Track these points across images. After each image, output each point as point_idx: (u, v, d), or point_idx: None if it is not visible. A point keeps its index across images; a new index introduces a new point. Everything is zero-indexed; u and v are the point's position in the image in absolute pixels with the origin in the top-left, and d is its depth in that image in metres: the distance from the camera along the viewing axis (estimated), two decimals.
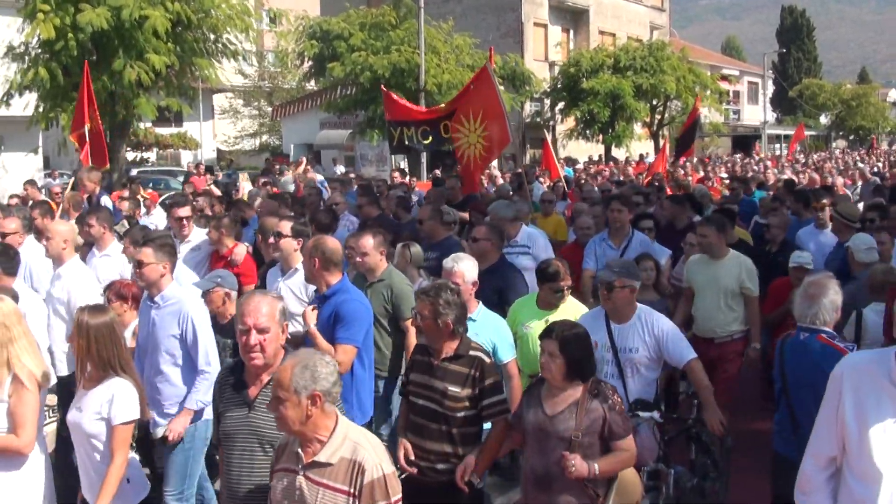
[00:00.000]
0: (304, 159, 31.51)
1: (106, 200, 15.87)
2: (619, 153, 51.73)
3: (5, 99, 25.96)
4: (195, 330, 7.56)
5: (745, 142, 67.38)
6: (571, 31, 62.01)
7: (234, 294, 8.95)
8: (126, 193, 17.68)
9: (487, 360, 6.56)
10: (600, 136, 50.59)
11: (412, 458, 6.60)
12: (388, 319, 8.91)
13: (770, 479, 7.54)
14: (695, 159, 38.78)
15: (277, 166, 31.27)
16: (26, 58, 25.69)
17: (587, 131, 50.38)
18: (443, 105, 19.99)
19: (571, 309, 8.58)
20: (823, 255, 11.86)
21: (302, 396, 4.71)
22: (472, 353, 6.54)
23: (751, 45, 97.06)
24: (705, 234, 10.24)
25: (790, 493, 6.67)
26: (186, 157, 48.28)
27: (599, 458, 6.02)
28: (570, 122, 51.88)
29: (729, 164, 39.89)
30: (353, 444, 4.84)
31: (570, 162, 41.04)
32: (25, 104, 26.23)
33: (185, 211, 12.19)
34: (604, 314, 7.72)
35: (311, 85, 46.93)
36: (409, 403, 6.79)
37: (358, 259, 9.10)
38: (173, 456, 7.62)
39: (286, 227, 9.77)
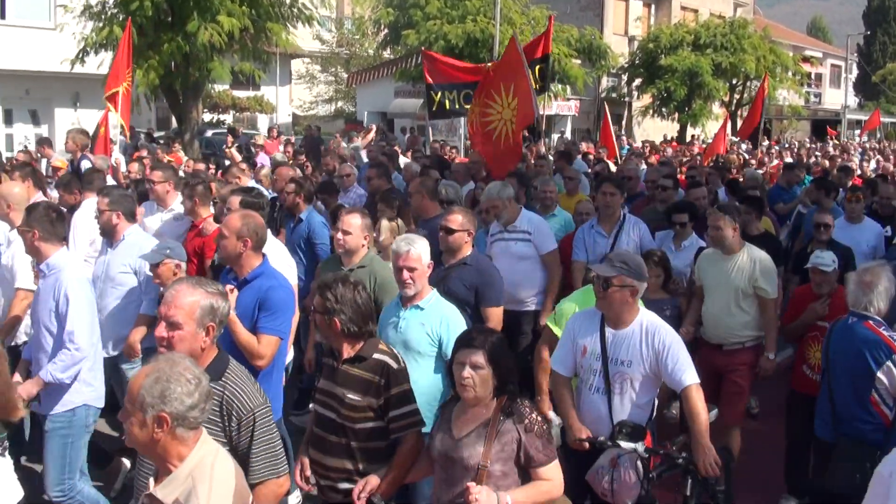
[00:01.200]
0: (374, 127, 31.50)
1: (87, 164, 15.49)
2: (694, 133, 51.17)
3: (81, 56, 26.24)
4: (67, 303, 6.98)
5: (825, 126, 66.23)
6: (653, 6, 61.38)
7: (184, 266, 8.32)
8: (144, 153, 17.54)
9: (395, 365, 5.75)
10: (676, 115, 50.05)
11: (308, 474, 5.92)
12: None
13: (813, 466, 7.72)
14: (766, 143, 37.98)
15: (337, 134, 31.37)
16: (102, 17, 25.93)
17: (663, 109, 49.89)
18: (489, 65, 19.62)
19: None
20: (860, 253, 10.90)
21: (147, 415, 3.92)
22: (377, 356, 5.76)
23: (837, 27, 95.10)
24: (719, 227, 8.90)
25: (827, 478, 7.07)
26: (263, 121, 48.63)
27: (514, 490, 5.20)
28: (647, 98, 51.36)
29: (790, 149, 38.64)
30: (192, 484, 3.97)
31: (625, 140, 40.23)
32: (100, 62, 26.48)
33: (157, 176, 11.21)
34: (600, 316, 6.59)
35: (388, 53, 46.91)
36: (314, 414, 6.03)
37: (339, 236, 8.37)
38: (50, 444, 7.17)
39: (236, 201, 9.03)
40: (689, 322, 9.23)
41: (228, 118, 47.13)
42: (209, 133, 36.46)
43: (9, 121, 33.86)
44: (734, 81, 52.14)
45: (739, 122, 50.10)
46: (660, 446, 6.69)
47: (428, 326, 6.81)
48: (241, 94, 47.55)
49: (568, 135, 45.86)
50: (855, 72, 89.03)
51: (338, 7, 54.32)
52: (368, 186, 13.39)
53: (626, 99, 55.68)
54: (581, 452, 6.38)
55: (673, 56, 47.79)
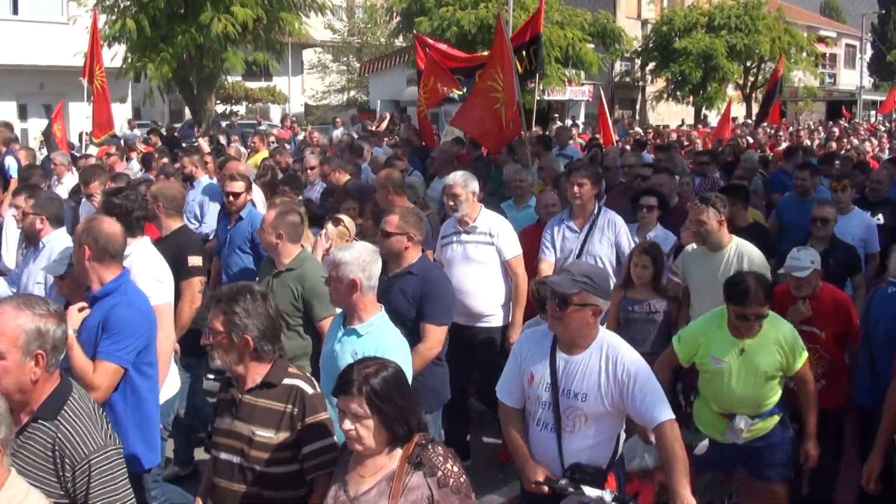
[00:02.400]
0: (388, 115, 31.40)
1: (10, 161, 14.84)
2: (710, 117, 50.95)
3: None
4: None
5: (840, 107, 65.82)
6: None
7: None
8: (112, 150, 16.83)
9: (310, 390, 4.78)
10: (691, 98, 49.82)
11: None
12: (300, 319, 7.31)
13: (857, 439, 7.58)
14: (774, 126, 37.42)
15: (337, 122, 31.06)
16: (115, 10, 25.89)
17: (678, 93, 49.68)
18: (486, 53, 19.30)
19: (774, 328, 6.57)
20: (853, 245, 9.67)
21: None
22: (287, 380, 4.79)
23: (851, 6, 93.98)
24: (702, 220, 7.90)
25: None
26: (275, 112, 48.60)
27: None
28: (661, 82, 51.15)
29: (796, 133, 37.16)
30: None
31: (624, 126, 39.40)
32: (114, 55, 26.45)
33: (94, 187, 10.22)
34: (552, 336, 5.43)
35: (400, 41, 46.78)
36: (212, 460, 4.98)
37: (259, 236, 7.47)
38: None
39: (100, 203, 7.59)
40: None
41: (241, 109, 47.15)
42: (223, 124, 36.47)
43: (24, 116, 33.81)
44: (748, 63, 51.89)
45: (754, 105, 50.01)
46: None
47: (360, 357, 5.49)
48: (253, 84, 47.64)
49: (581, 119, 45.60)
50: (869, 52, 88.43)
51: None
52: (326, 180, 12.58)
53: (640, 83, 55.44)
54: (539, 497, 5.40)
55: (687, 38, 47.63)
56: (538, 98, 38.17)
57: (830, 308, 7.30)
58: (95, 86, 17.70)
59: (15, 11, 31.96)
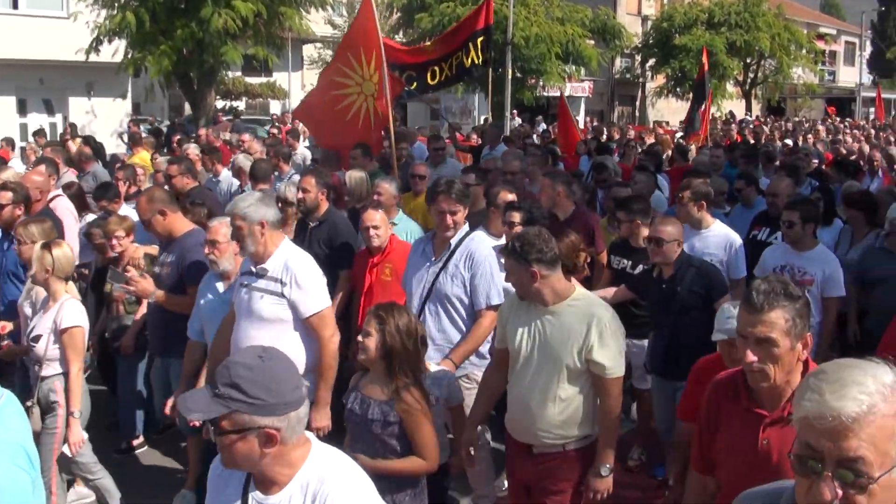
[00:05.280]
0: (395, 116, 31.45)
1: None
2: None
3: (94, 45, 26.21)
4: None
5: (839, 104, 65.70)
6: None
7: None
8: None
9: None
10: (691, 95, 49.80)
11: None
12: None
13: None
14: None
15: None
16: (115, 4, 25.89)
17: (678, 89, 49.66)
18: (428, 44, 19.06)
19: None
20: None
21: None
22: None
23: (851, 3, 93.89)
24: (510, 270, 5.34)
25: None
26: (275, 107, 48.60)
27: None
28: (661, 79, 51.17)
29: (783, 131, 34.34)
30: None
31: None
32: (114, 51, 26.48)
33: None
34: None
35: (400, 37, 46.76)
36: None
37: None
38: None
39: None
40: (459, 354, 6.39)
41: (241, 104, 47.16)
42: (224, 119, 36.49)
43: (23, 110, 33.80)
44: (748, 60, 51.89)
45: (754, 102, 49.99)
46: None
47: None
48: (253, 80, 47.60)
49: (581, 116, 45.55)
50: (869, 49, 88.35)
51: None
52: (170, 185, 10.71)
53: (640, 80, 55.43)
54: None
55: (687, 35, 47.63)
56: (537, 94, 38.40)
57: None
58: None
59: (14, 6, 31.93)
